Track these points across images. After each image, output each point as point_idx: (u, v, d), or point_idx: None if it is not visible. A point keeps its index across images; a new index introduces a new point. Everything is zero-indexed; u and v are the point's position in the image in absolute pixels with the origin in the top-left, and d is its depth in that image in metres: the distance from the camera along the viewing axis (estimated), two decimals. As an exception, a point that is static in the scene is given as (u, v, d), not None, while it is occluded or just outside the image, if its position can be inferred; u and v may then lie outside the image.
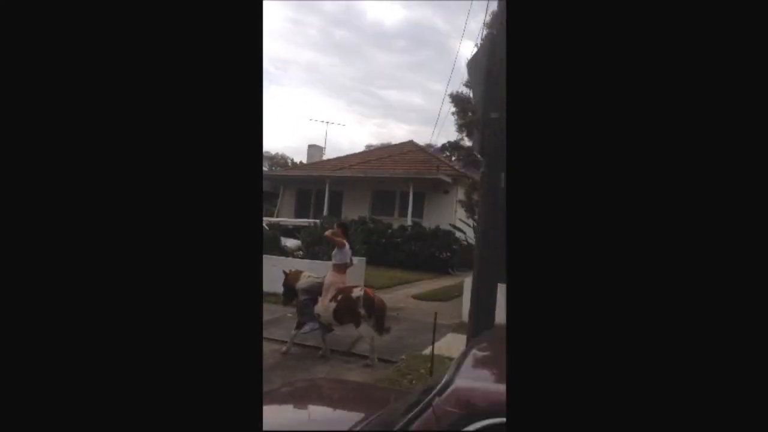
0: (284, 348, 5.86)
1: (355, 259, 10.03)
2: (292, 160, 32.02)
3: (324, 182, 17.27)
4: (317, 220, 13.11)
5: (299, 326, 5.89)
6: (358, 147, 55.42)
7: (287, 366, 5.37)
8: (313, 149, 22.14)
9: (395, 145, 21.47)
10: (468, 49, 23.74)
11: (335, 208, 17.70)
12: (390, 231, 13.97)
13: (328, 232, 6.35)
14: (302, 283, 6.05)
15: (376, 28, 54.23)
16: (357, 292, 5.78)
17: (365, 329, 5.73)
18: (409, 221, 14.61)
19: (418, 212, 15.64)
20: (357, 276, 9.71)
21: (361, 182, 16.82)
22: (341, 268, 6.04)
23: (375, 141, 62.58)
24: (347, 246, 6.04)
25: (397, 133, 63.23)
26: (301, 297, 5.90)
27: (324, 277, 6.12)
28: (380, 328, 5.78)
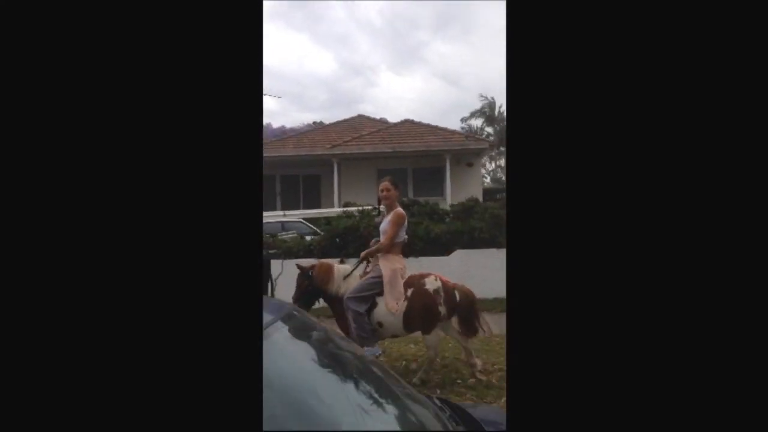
0: None
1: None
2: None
3: (308, 164, 14.23)
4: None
5: None
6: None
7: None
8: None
9: (348, 119, 18.88)
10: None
11: (313, 196, 14.81)
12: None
13: (382, 191, 4.08)
14: (346, 285, 3.93)
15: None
16: (432, 283, 3.91)
17: (433, 337, 3.97)
18: (448, 201, 12.61)
19: (436, 190, 13.70)
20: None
21: (355, 162, 14.17)
22: (398, 248, 4.02)
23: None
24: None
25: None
26: (353, 308, 3.76)
27: (366, 269, 4.07)
28: (469, 328, 4.01)
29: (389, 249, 3.94)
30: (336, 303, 3.98)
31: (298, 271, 4.12)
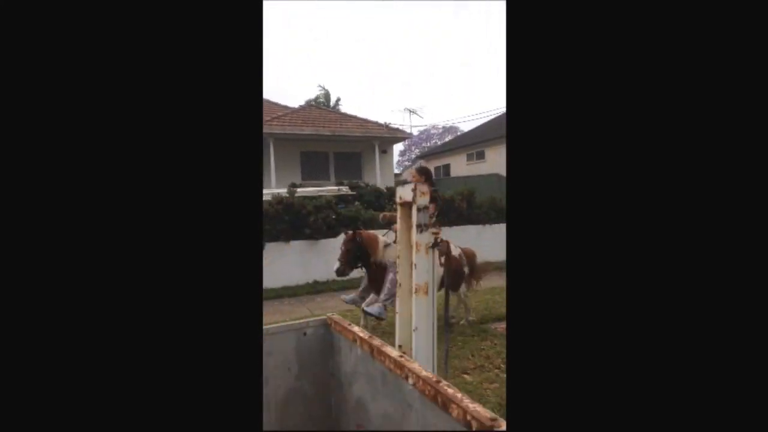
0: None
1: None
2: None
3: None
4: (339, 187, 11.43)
5: (365, 300, 4.83)
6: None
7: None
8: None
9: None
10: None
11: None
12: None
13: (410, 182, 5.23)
14: (386, 254, 4.81)
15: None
16: (455, 249, 4.94)
17: (462, 290, 5.21)
18: (379, 183, 13.96)
19: (355, 174, 15.09)
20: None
21: (278, 143, 14.80)
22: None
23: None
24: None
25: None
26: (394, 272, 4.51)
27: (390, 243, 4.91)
28: (477, 277, 5.34)
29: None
30: (375, 268, 4.82)
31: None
